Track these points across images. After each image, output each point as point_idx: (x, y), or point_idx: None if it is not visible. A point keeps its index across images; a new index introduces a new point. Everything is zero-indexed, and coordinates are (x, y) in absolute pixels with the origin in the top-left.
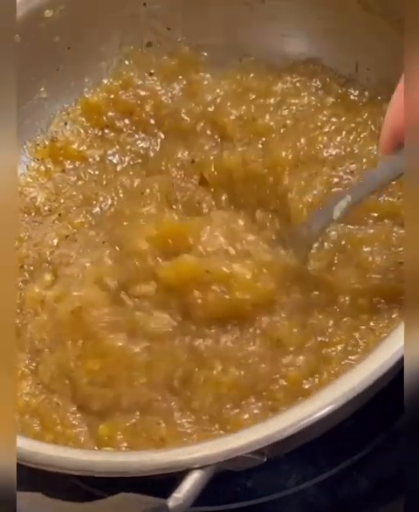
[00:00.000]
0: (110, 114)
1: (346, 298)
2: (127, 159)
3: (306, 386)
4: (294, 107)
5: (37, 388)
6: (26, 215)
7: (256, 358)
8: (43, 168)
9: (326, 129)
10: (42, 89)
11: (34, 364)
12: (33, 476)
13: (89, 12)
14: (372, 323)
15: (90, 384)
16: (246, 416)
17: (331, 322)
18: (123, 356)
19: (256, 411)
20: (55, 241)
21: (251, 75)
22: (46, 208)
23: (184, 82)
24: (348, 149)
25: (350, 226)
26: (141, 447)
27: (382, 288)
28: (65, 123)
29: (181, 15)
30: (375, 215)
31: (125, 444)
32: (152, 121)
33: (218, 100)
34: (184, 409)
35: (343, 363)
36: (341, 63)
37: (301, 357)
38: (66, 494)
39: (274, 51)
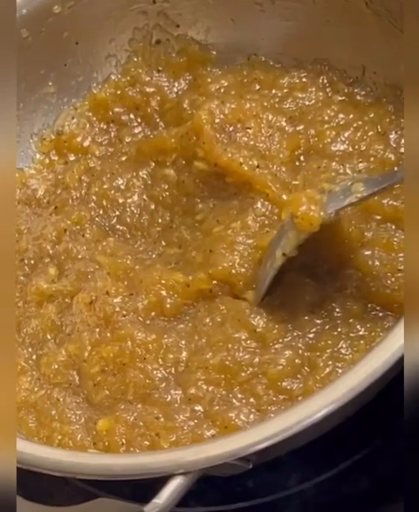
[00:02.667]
0: (116, 109)
1: (339, 301)
2: (129, 151)
3: (288, 386)
4: (300, 101)
5: (36, 383)
6: (27, 207)
7: (236, 345)
8: (47, 160)
9: (334, 124)
10: (50, 84)
11: (34, 357)
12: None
13: (98, 9)
14: (363, 331)
15: (101, 372)
16: (232, 414)
17: (318, 324)
18: (139, 343)
19: (244, 410)
20: (54, 234)
21: (258, 70)
22: (45, 200)
23: (190, 77)
24: (356, 147)
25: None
26: (136, 442)
27: (378, 294)
28: (73, 118)
29: (190, 13)
30: (378, 218)
31: (122, 439)
32: (156, 115)
33: (222, 90)
34: (182, 400)
35: (328, 370)
36: (349, 65)
37: (283, 355)
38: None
39: (283, 51)
